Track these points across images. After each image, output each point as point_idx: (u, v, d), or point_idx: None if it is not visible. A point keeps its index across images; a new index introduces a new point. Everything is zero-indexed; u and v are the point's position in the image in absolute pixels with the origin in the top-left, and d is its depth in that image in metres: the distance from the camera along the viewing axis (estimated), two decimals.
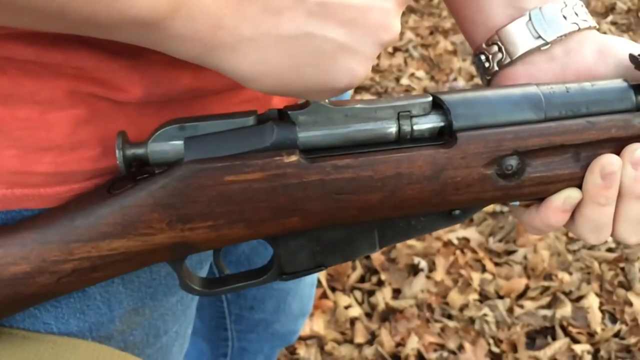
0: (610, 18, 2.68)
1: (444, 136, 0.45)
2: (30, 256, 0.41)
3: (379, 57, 2.50)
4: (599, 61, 0.51)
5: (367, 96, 2.27)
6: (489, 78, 0.55)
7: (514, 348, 1.48)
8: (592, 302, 1.56)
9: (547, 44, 0.51)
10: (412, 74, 2.40)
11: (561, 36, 0.51)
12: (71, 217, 0.41)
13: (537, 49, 0.52)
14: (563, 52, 0.52)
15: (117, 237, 0.41)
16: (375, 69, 2.44)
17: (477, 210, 0.49)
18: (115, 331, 0.51)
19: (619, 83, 0.48)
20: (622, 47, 0.51)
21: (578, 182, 0.47)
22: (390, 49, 2.55)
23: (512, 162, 0.45)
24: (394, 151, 0.44)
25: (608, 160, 0.46)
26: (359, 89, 2.30)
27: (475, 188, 0.45)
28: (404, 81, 2.36)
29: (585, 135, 0.46)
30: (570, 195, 0.47)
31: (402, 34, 2.65)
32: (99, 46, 0.41)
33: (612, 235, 0.49)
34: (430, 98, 0.45)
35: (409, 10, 2.82)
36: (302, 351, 1.47)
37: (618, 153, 0.46)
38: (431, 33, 2.68)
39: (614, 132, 0.46)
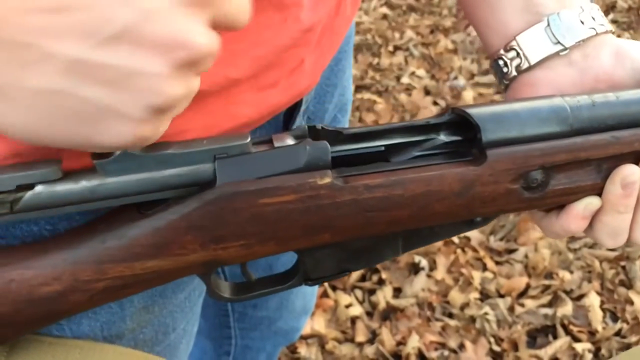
0: (611, 16, 2.68)
1: (473, 150, 0.46)
2: (62, 277, 0.41)
3: (379, 55, 2.50)
4: (616, 65, 0.51)
5: (367, 95, 2.27)
6: (507, 83, 0.55)
7: (515, 347, 1.48)
8: (593, 300, 1.56)
9: (565, 49, 0.52)
10: (413, 73, 2.40)
11: (579, 41, 0.52)
12: (102, 238, 0.42)
13: (556, 54, 0.52)
14: (581, 57, 0.52)
15: (150, 258, 0.42)
16: (376, 68, 2.44)
17: (498, 216, 0.51)
18: (126, 330, 0.51)
19: None
20: (639, 50, 0.51)
21: (599, 192, 0.48)
22: (390, 48, 2.55)
23: (538, 176, 0.46)
24: (424, 169, 0.44)
25: (629, 171, 0.47)
26: (359, 88, 2.30)
27: (501, 201, 0.46)
28: (405, 80, 2.36)
29: (610, 150, 0.47)
30: (591, 202, 0.48)
31: (402, 32, 2.65)
32: None
33: (628, 239, 0.50)
34: (249, 139, 0.43)
35: (410, 8, 2.82)
36: (303, 350, 1.47)
37: (637, 162, 0.48)
38: (432, 32, 2.68)
39: (637, 146, 0.47)
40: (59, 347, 0.47)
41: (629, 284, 1.62)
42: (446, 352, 1.46)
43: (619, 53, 0.51)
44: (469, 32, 0.62)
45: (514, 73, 0.54)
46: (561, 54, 0.52)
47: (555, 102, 0.47)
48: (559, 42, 0.52)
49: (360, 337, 1.50)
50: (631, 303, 1.56)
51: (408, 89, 2.32)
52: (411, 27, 2.70)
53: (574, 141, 0.46)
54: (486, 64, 2.40)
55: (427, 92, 2.31)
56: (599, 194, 0.48)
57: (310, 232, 0.43)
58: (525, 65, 0.53)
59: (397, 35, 2.64)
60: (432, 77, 2.40)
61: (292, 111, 0.58)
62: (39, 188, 0.40)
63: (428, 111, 2.18)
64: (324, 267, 0.48)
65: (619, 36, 2.50)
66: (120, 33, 0.31)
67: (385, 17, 2.76)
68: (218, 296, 0.48)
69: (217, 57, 0.36)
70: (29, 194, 0.39)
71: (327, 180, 0.42)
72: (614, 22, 2.63)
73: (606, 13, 2.68)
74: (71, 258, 0.41)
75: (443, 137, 0.47)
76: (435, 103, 2.24)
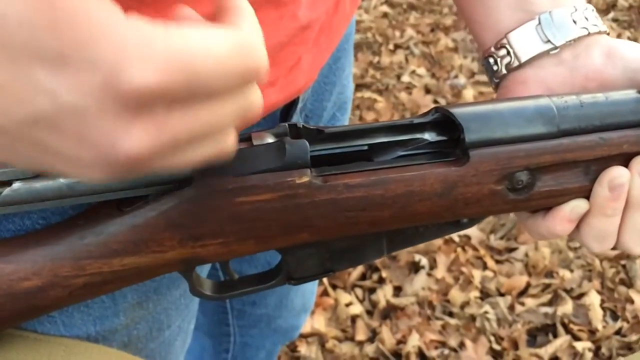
0: (611, 15, 2.67)
1: (456, 151, 0.45)
2: (41, 272, 0.41)
3: (380, 54, 2.50)
4: (607, 64, 0.51)
5: (367, 93, 2.26)
6: (497, 81, 0.55)
7: (515, 345, 1.48)
8: (593, 299, 1.56)
9: (555, 48, 0.51)
10: (413, 71, 2.40)
11: (570, 41, 0.51)
12: (81, 235, 0.42)
13: (546, 52, 0.52)
14: (572, 56, 0.52)
15: (128, 255, 0.42)
16: (376, 66, 2.44)
17: (485, 218, 0.50)
18: (120, 325, 0.51)
19: (632, 95, 0.48)
20: (631, 50, 0.51)
21: (586, 194, 0.47)
22: (391, 46, 2.55)
23: (523, 177, 0.45)
24: (405, 169, 0.44)
25: (617, 173, 0.46)
26: (359, 87, 2.30)
27: (485, 202, 0.45)
28: (405, 78, 2.36)
29: (597, 152, 0.46)
30: (578, 205, 0.47)
31: (403, 31, 2.65)
32: None
33: (616, 244, 0.49)
34: None
35: (410, 7, 2.82)
36: (303, 349, 1.47)
37: (626, 165, 0.47)
38: (432, 30, 2.68)
39: (626, 148, 0.46)
40: (44, 344, 0.47)
41: (629, 283, 1.61)
42: (446, 351, 1.46)
43: (610, 53, 0.51)
44: (469, 30, 0.62)
45: (504, 71, 0.53)
46: (551, 52, 0.52)
47: (542, 102, 0.46)
48: (549, 41, 0.51)
49: (361, 335, 1.50)
50: (631, 302, 1.56)
51: (408, 88, 2.32)
52: (411, 25, 2.69)
53: (560, 142, 0.45)
54: None
55: (427, 90, 2.31)
56: (587, 197, 0.47)
57: (289, 231, 0.43)
58: (515, 63, 0.52)
59: (397, 33, 2.64)
60: (433, 75, 2.39)
61: (288, 109, 0.58)
62: (16, 185, 0.40)
63: None
64: (307, 266, 0.47)
65: (619, 35, 2.50)
66: (35, 119, 0.29)
67: (385, 15, 2.76)
68: (199, 293, 0.47)
69: None
70: (7, 190, 0.40)
71: (305, 179, 0.42)
72: (614, 20, 2.63)
73: (607, 11, 2.68)
74: (51, 254, 0.41)
75: (428, 137, 0.46)
76: (435, 102, 2.24)
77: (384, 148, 0.46)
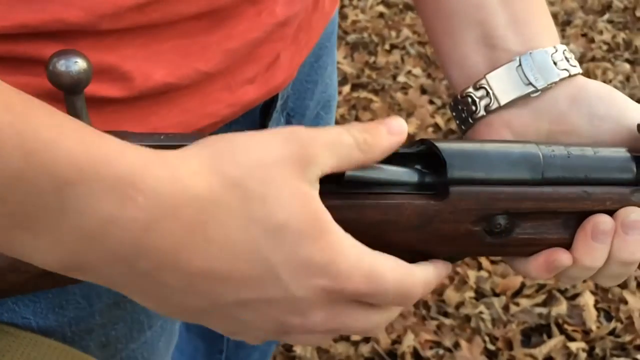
0: (606, 16, 2.68)
1: (437, 187, 0.44)
2: (0, 255, 0.41)
3: (376, 54, 2.50)
4: (572, 108, 0.49)
5: (363, 93, 2.27)
6: (471, 122, 0.53)
7: (510, 345, 1.48)
8: (587, 300, 1.56)
9: (537, 91, 0.50)
10: (409, 72, 2.40)
11: (551, 83, 0.49)
12: None
13: (527, 95, 0.50)
14: (537, 99, 0.50)
15: None
16: (372, 66, 2.44)
17: (461, 259, 0.49)
18: (96, 325, 0.50)
19: (621, 153, 0.47)
20: (598, 94, 0.49)
21: (564, 247, 0.46)
22: (387, 46, 2.56)
23: (502, 221, 0.44)
24: (383, 196, 0.43)
25: (602, 219, 0.44)
26: (355, 87, 2.30)
27: (461, 242, 0.44)
28: (401, 78, 2.36)
29: (580, 205, 0.45)
30: (560, 259, 0.45)
31: (399, 31, 2.65)
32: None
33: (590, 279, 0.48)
34: None
35: (406, 7, 2.82)
36: (298, 349, 1.47)
37: None
38: None
39: (609, 205, 0.45)
40: None
41: (623, 284, 1.62)
42: (441, 351, 1.47)
43: (577, 97, 0.49)
44: (437, 60, 0.62)
45: (483, 112, 0.51)
46: (532, 95, 0.50)
47: (528, 148, 0.45)
48: (530, 84, 0.50)
49: (356, 335, 1.50)
50: (625, 302, 1.57)
51: (404, 88, 2.32)
52: (407, 25, 2.70)
53: (542, 190, 0.44)
54: None
55: (423, 90, 2.31)
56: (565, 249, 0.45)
57: None
58: (494, 105, 0.51)
59: (393, 33, 2.64)
60: (429, 75, 2.40)
61: (268, 107, 0.57)
62: None
63: (424, 110, 2.19)
64: None
65: (614, 36, 2.51)
66: (245, 302, 0.38)
67: (381, 15, 2.76)
68: None
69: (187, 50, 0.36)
70: None
71: None
72: (609, 21, 2.64)
73: (602, 13, 2.69)
74: None
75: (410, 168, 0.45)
76: (431, 102, 2.24)
77: None
